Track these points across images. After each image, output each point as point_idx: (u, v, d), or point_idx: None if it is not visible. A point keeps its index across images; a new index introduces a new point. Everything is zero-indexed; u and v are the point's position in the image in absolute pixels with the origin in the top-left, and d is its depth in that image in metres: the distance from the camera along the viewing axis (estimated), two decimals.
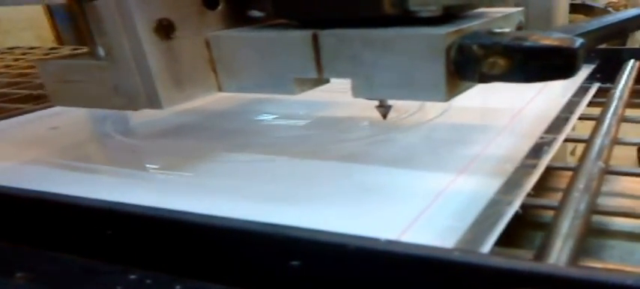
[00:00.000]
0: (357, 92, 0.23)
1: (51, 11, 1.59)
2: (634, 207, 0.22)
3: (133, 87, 0.23)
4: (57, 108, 0.39)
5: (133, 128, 0.34)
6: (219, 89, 0.25)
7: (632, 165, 0.51)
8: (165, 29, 0.22)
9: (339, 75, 0.23)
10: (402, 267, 0.14)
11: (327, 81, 0.24)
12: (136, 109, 0.24)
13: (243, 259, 0.16)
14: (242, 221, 0.16)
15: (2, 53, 0.86)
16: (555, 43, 0.19)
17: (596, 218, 0.23)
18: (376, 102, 0.27)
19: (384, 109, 0.27)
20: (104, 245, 0.18)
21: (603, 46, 0.41)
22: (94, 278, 0.18)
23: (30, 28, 1.54)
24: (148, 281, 0.17)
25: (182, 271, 0.17)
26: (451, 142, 0.27)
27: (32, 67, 0.69)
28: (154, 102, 0.23)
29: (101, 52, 0.24)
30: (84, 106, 0.25)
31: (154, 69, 0.22)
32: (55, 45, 1.38)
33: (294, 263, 0.15)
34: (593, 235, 0.22)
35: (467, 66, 0.20)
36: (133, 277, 0.17)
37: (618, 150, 0.27)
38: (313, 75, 0.23)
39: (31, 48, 0.93)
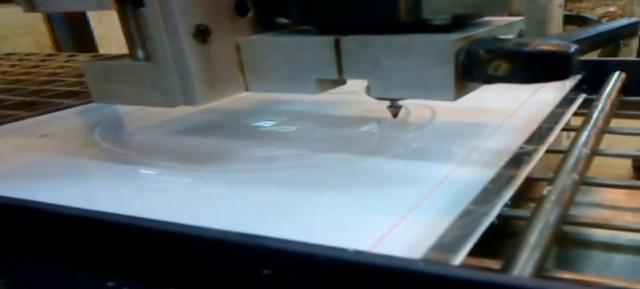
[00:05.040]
0: (373, 92, 0.25)
1: (49, 18, 1.60)
2: (610, 218, 0.23)
3: (172, 86, 0.25)
4: (47, 116, 0.40)
5: (121, 137, 0.34)
6: (246, 89, 0.28)
7: (627, 177, 0.50)
8: (202, 34, 0.25)
9: (358, 76, 0.25)
10: (368, 277, 0.14)
11: (344, 82, 0.27)
12: (172, 106, 0.26)
13: (217, 267, 0.17)
14: (217, 231, 0.16)
15: None
16: (553, 48, 0.21)
17: (575, 229, 0.23)
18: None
19: (395, 109, 0.29)
20: (82, 253, 0.19)
21: (590, 57, 0.43)
22: (72, 284, 0.18)
23: (28, 34, 1.54)
24: None
25: (157, 279, 0.18)
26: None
27: (27, 74, 0.69)
28: (190, 100, 0.25)
29: (140, 54, 0.26)
30: (123, 103, 0.28)
31: (192, 69, 0.25)
32: (52, 51, 1.39)
33: (266, 272, 0.16)
34: (571, 246, 0.23)
35: (474, 68, 0.23)
36: (110, 284, 0.18)
37: (613, 161, 0.28)
38: (334, 76, 0.25)
39: (28, 54, 0.93)
